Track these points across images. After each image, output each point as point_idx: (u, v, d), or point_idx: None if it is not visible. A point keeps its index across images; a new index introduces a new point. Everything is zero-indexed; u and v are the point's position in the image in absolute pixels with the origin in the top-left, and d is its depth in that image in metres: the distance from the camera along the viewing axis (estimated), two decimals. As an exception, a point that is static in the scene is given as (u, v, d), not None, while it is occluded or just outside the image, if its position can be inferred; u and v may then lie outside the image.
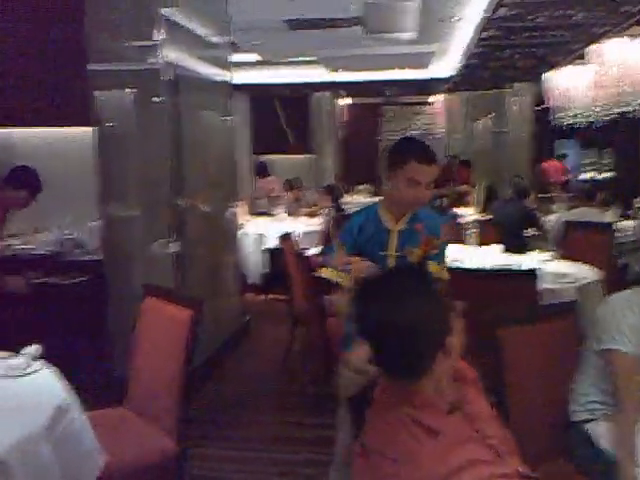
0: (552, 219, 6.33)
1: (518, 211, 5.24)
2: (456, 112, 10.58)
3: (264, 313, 5.70)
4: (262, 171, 8.41)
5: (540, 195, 7.13)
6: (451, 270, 2.38)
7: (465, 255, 4.08)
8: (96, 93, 3.58)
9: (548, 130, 9.39)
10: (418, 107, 10.87)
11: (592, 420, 2.02)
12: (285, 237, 4.35)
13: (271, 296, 6.22)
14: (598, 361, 2.05)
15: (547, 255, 4.23)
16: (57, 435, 1.84)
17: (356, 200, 8.65)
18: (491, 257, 4.06)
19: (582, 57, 6.32)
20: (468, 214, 4.98)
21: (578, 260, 4.11)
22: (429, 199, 2.21)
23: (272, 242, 6.11)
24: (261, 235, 6.14)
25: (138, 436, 2.34)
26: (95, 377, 3.51)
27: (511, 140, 9.41)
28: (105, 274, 3.68)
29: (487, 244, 4.45)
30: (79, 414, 1.98)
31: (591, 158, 12.15)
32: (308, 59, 7.89)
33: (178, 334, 2.36)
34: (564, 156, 10.06)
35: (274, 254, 6.05)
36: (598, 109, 6.82)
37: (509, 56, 6.93)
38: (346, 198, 8.12)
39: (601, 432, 1.98)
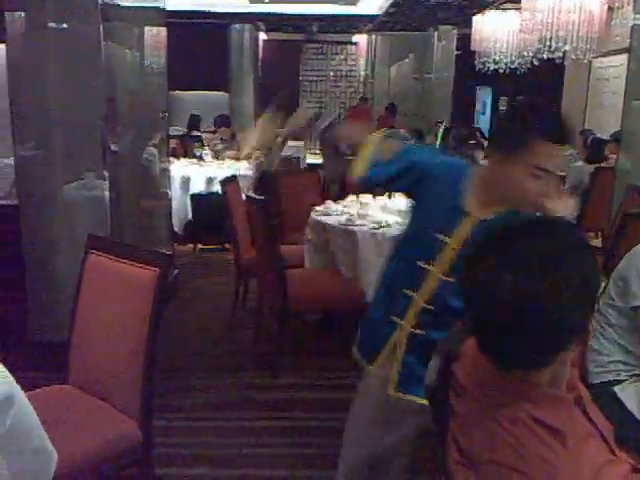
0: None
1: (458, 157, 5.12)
2: (378, 53, 10.27)
3: (194, 266, 5.22)
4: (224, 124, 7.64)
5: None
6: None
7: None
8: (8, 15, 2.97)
9: (470, 75, 9.38)
10: (340, 46, 10.44)
11: (618, 382, 1.89)
12: (229, 180, 3.91)
13: (200, 246, 5.74)
14: (622, 319, 1.90)
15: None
16: (2, 436, 1.42)
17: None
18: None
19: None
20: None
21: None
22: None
23: (198, 187, 5.64)
24: (188, 179, 5.60)
25: (94, 421, 1.94)
26: (8, 344, 3.01)
27: (434, 85, 9.28)
28: (20, 222, 3.11)
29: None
30: (24, 403, 1.56)
31: (504, 106, 12.41)
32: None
33: (139, 298, 1.95)
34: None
35: (199, 200, 5.58)
36: (521, 55, 6.85)
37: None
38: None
39: (629, 394, 1.85)
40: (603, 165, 5.02)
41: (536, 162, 1.47)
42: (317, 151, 8.45)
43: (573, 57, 6.20)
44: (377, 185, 1.82)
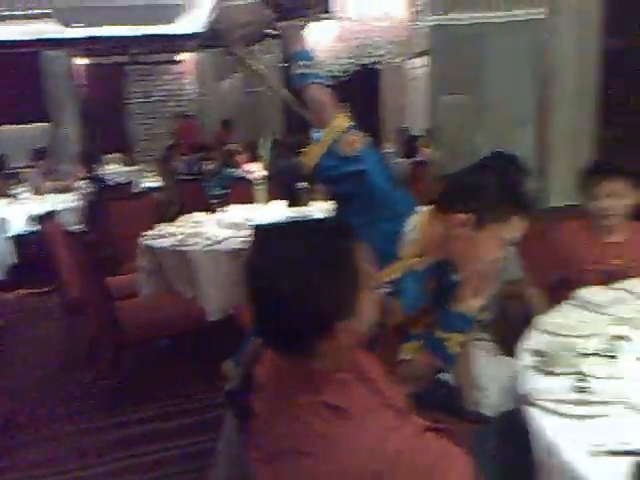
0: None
1: (292, 166, 5.23)
2: (206, 71, 10.23)
3: (22, 312, 4.77)
4: (41, 157, 6.97)
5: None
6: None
7: (256, 213, 3.92)
8: None
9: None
10: (165, 66, 10.25)
11: None
12: (47, 217, 3.66)
13: (23, 291, 5.26)
14: None
15: (328, 204, 4.31)
16: None
17: (111, 170, 7.89)
18: (281, 212, 3.98)
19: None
20: (255, 170, 4.79)
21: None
22: None
23: (19, 227, 5.21)
24: (3, 220, 5.14)
25: None
26: None
27: (265, 98, 9.43)
28: None
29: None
30: None
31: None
32: (39, 12, 6.79)
33: None
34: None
35: (21, 241, 5.16)
36: (341, 63, 7.22)
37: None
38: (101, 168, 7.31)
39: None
40: (417, 159, 5.41)
41: (508, 235, 1.49)
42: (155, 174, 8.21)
43: (387, 61, 6.64)
44: (325, 178, 1.63)
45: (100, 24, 7.87)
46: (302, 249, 1.02)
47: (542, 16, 3.51)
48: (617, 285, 2.15)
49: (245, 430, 1.17)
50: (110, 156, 8.71)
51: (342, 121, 1.62)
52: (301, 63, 1.69)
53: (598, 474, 1.11)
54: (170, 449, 2.71)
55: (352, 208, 1.59)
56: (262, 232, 1.09)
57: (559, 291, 2.17)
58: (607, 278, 2.22)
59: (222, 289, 3.25)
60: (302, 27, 1.83)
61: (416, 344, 1.63)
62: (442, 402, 1.86)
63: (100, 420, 3.01)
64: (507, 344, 2.05)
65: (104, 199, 4.77)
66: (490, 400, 1.91)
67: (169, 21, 7.87)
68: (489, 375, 1.98)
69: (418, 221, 1.57)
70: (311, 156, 1.62)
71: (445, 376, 1.93)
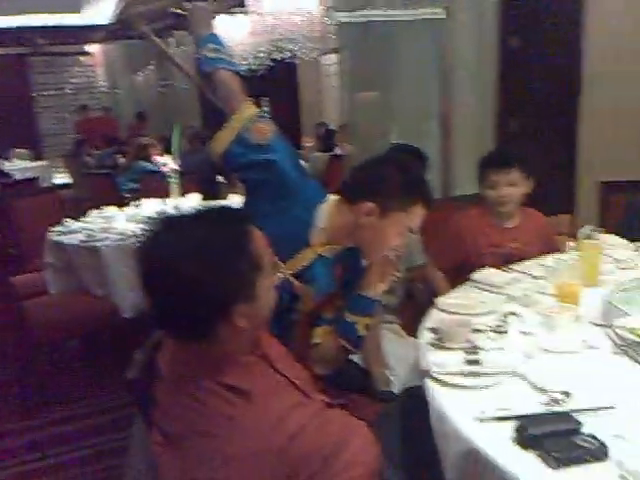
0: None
1: (207, 159, 5.17)
2: (118, 63, 9.90)
3: None
4: None
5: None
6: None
7: (169, 207, 3.86)
8: None
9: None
10: (74, 58, 9.84)
11: None
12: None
13: None
14: None
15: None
16: None
17: (17, 165, 7.50)
18: (195, 206, 3.93)
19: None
20: (169, 163, 4.66)
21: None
22: None
23: None
24: None
25: None
26: None
27: (180, 91, 9.26)
28: None
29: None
30: None
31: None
32: None
33: None
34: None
35: None
36: (256, 56, 7.20)
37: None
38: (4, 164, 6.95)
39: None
40: (335, 153, 5.51)
41: (410, 223, 1.59)
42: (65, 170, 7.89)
43: (300, 56, 6.68)
44: (233, 164, 1.63)
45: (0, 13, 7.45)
46: (199, 235, 1.04)
47: (443, 16, 3.68)
48: (513, 267, 2.30)
49: (147, 417, 1.18)
50: (16, 151, 8.29)
51: (250, 109, 1.64)
52: (210, 46, 1.69)
53: (485, 438, 1.19)
54: (84, 448, 2.68)
55: (262, 196, 1.62)
56: (159, 222, 1.09)
57: (460, 274, 2.29)
58: (504, 261, 2.37)
59: (135, 285, 3.18)
60: (212, 11, 1.83)
61: (327, 328, 1.69)
62: (354, 383, 1.93)
63: (12, 422, 2.92)
64: (413, 325, 2.15)
65: (8, 195, 4.55)
66: (398, 379, 2.00)
67: (74, 11, 7.55)
68: (397, 355, 2.08)
69: (326, 210, 1.63)
70: (220, 142, 1.62)
71: (356, 358, 2.01)
